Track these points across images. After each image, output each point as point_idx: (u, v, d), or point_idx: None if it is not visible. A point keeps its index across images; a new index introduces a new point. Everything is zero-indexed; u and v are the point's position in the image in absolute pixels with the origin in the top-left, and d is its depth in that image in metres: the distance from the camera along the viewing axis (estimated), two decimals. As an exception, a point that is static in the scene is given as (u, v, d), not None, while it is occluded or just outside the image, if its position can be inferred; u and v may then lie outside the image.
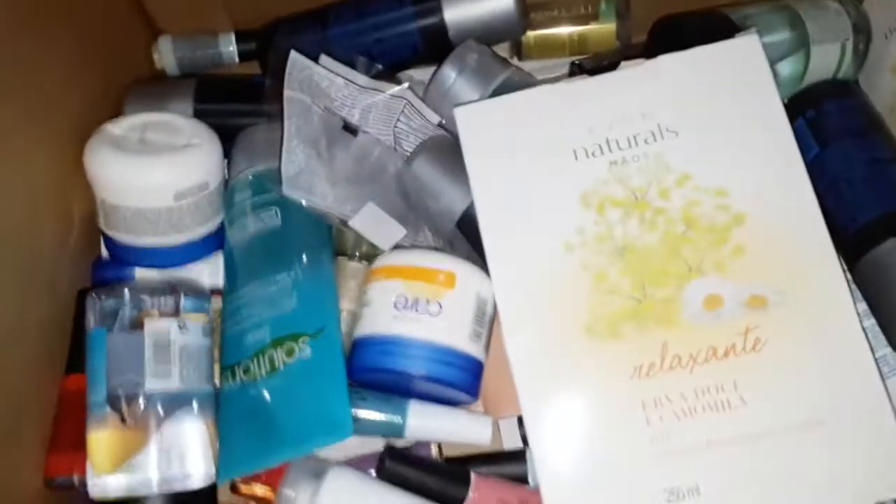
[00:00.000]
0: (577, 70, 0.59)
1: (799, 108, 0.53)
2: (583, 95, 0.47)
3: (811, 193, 0.44)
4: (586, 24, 0.61)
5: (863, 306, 0.48)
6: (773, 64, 0.48)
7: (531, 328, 0.44)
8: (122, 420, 0.46)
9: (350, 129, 0.51)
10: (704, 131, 0.45)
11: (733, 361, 0.42)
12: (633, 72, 0.47)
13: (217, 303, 0.53)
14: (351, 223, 0.50)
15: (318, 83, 0.52)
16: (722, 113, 0.46)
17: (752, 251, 0.43)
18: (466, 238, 0.51)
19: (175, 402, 0.47)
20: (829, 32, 0.55)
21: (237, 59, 0.63)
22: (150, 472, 0.46)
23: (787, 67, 0.54)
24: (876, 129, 0.52)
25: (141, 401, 0.46)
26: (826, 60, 0.55)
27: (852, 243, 0.48)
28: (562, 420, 0.43)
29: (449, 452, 0.52)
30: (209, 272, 0.55)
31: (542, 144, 0.47)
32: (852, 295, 0.43)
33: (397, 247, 0.52)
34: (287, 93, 0.50)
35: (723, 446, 0.41)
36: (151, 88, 0.59)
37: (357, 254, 0.54)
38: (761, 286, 0.42)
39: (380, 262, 0.49)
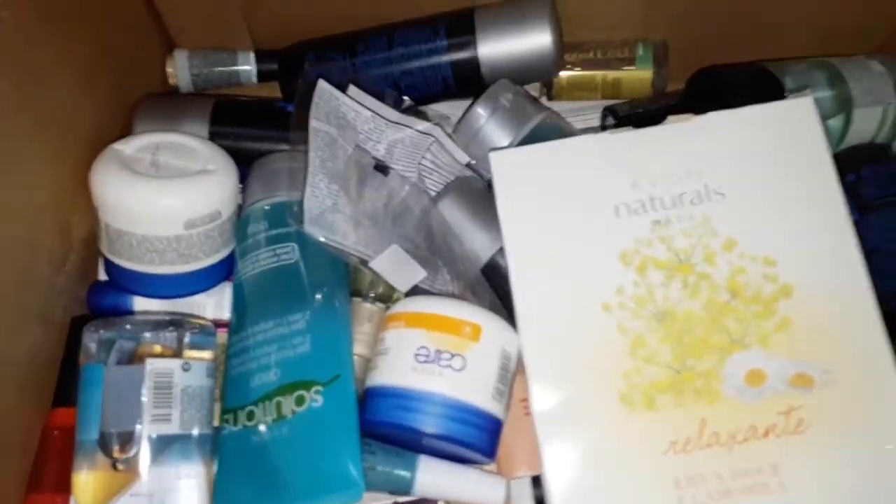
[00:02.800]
0: (609, 115, 0.57)
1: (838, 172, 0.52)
2: (626, 148, 0.45)
3: (863, 268, 0.42)
4: (622, 68, 0.59)
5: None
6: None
7: (561, 390, 0.41)
8: (114, 464, 0.43)
9: (381, 169, 0.48)
10: (753, 195, 0.43)
11: (774, 443, 0.39)
12: (680, 126, 0.45)
13: (222, 337, 0.50)
14: (371, 264, 0.47)
15: (345, 115, 0.49)
16: (772, 177, 0.43)
17: (799, 326, 0.41)
18: (491, 285, 0.48)
19: (170, 445, 0.44)
20: (873, 95, 0.54)
21: (255, 80, 0.60)
22: (138, 518, 0.43)
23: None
24: (918, 200, 0.51)
25: (135, 443, 0.43)
26: (867, 123, 0.54)
27: (888, 318, 0.46)
28: (589, 491, 0.40)
29: (456, 512, 0.49)
30: (213, 304, 0.52)
31: (581, 197, 0.44)
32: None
33: (416, 290, 0.49)
34: (313, 123, 0.48)
35: None
36: (164, 105, 0.56)
37: (372, 294, 0.51)
38: (807, 364, 0.40)
39: (400, 308, 0.46)
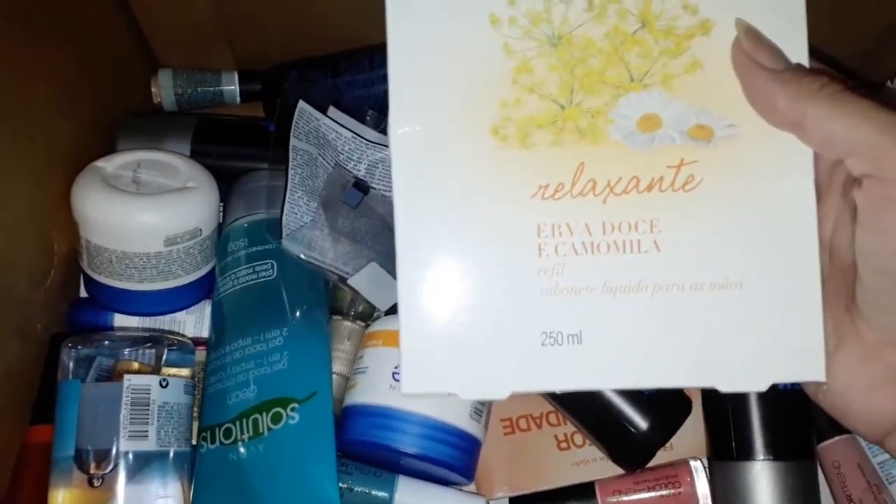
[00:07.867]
0: None
1: None
2: None
3: (802, 17, 0.35)
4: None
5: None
6: None
7: (427, 111, 0.35)
8: (90, 480, 0.43)
9: (361, 187, 0.49)
10: None
11: (656, 198, 0.34)
12: None
13: (201, 356, 0.50)
14: (350, 282, 0.47)
15: (325, 135, 0.50)
16: None
17: (710, 70, 0.35)
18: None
19: (147, 462, 0.44)
20: None
21: (239, 100, 0.61)
22: (113, 537, 0.42)
23: None
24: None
25: (111, 460, 0.43)
26: None
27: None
28: (438, 227, 0.35)
29: (435, 531, 0.49)
30: (193, 321, 0.52)
31: None
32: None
33: (395, 309, 0.49)
34: (293, 142, 0.48)
35: (619, 294, 0.34)
36: (147, 123, 0.57)
37: (352, 313, 0.51)
38: (711, 114, 0.35)
39: (379, 327, 0.47)
